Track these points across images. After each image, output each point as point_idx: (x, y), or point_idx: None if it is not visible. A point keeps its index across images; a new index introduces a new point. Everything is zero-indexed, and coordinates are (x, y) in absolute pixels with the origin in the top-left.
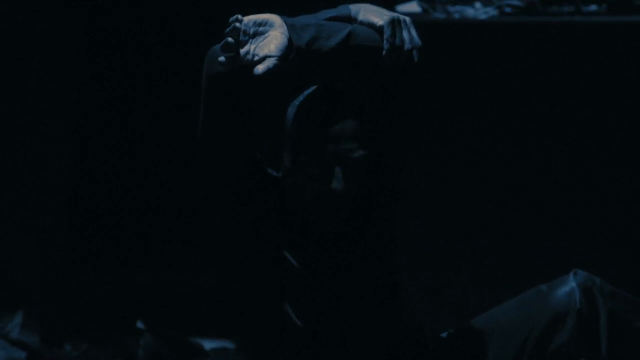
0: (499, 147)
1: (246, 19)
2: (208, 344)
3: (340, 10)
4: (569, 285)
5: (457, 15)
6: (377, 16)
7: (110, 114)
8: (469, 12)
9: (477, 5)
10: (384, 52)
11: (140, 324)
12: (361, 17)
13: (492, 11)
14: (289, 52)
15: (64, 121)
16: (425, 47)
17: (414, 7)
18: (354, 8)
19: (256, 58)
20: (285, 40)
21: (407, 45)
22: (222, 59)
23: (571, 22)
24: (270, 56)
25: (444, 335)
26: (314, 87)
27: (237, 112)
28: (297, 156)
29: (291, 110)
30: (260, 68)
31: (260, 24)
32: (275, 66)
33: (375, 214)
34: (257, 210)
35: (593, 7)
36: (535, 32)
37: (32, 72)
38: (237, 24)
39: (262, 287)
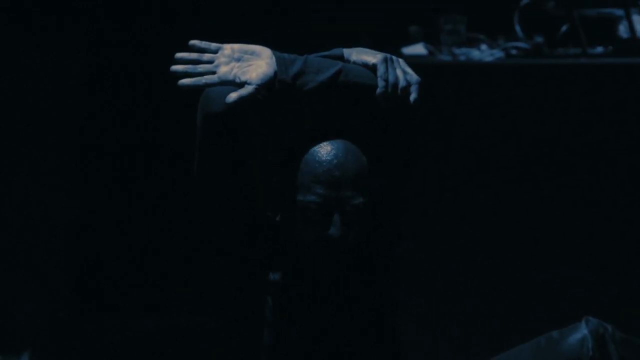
0: (505, 189)
1: (235, 46)
2: None
3: (333, 52)
4: (581, 333)
5: (462, 58)
6: (370, 55)
7: (113, 156)
8: (475, 54)
9: (483, 47)
10: (378, 89)
11: None
12: (354, 57)
13: (498, 53)
14: (271, 83)
15: (65, 173)
16: (431, 89)
17: (420, 50)
18: (346, 50)
19: (237, 80)
20: (270, 70)
21: (401, 83)
22: (185, 81)
23: (577, 64)
24: (249, 83)
25: None
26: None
27: (232, 152)
28: (294, 201)
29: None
30: (233, 96)
31: (247, 52)
32: (250, 95)
33: (374, 260)
34: (252, 251)
35: (599, 49)
36: (541, 74)
37: (35, 108)
38: (197, 45)
39: (258, 326)
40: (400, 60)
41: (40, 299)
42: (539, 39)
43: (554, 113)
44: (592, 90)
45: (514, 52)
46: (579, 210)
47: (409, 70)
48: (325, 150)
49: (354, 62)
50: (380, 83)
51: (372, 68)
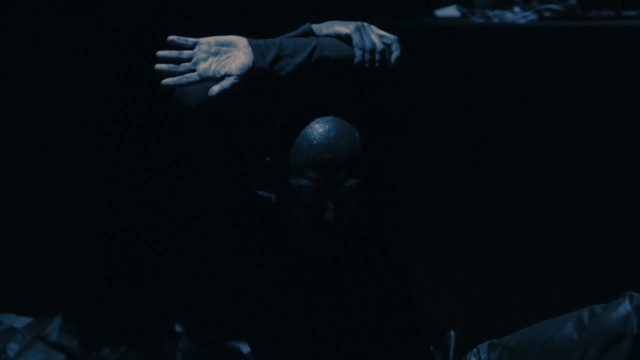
0: (538, 150)
1: (209, 38)
2: (246, 348)
3: (302, 28)
4: (625, 309)
5: (496, 20)
6: (342, 26)
7: (143, 124)
8: (508, 16)
9: (516, 9)
10: (356, 58)
11: (178, 328)
12: (325, 31)
13: (531, 15)
14: (250, 72)
15: (98, 132)
16: (465, 51)
17: (453, 12)
18: (315, 25)
19: (217, 75)
20: (248, 60)
21: (379, 46)
22: (168, 81)
23: (610, 27)
24: (229, 75)
25: (488, 344)
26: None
27: (219, 141)
28: (287, 184)
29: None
30: (215, 89)
31: (223, 44)
32: (232, 86)
33: (373, 238)
34: (248, 233)
35: (632, 12)
36: (574, 36)
37: (62, 82)
38: (176, 40)
39: (261, 308)
40: (372, 26)
41: (71, 265)
42: (573, 1)
43: (587, 76)
44: (625, 53)
45: (547, 14)
46: (612, 180)
47: (383, 32)
48: (316, 131)
49: (326, 36)
50: (357, 52)
51: (346, 39)
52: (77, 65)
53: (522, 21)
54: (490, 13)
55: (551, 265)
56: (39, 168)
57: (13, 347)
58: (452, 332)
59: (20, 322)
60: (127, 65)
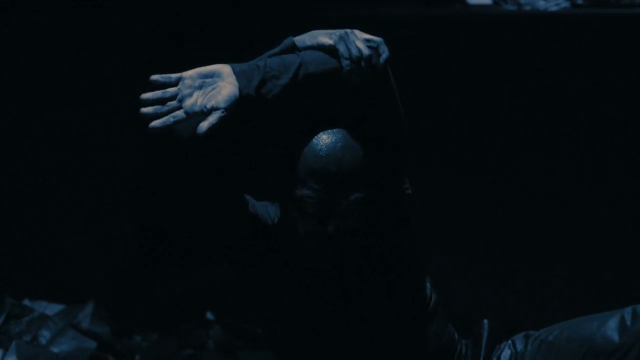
0: (578, 137)
1: (192, 72)
2: None
3: (285, 43)
4: None
5: (528, 7)
6: (325, 37)
7: None
8: (540, 4)
9: None
10: (345, 69)
11: (210, 316)
12: (308, 42)
13: (563, 3)
14: (237, 102)
15: (130, 121)
16: (496, 38)
17: (485, 0)
18: (298, 38)
19: (205, 109)
20: (234, 90)
21: (365, 52)
22: (155, 123)
23: None
24: (216, 108)
25: (523, 335)
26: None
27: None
28: (290, 192)
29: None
30: (204, 125)
31: (207, 76)
32: (220, 120)
33: (382, 243)
34: (250, 246)
35: None
36: (607, 24)
37: (101, 62)
38: (159, 80)
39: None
40: (356, 31)
41: (103, 252)
42: None
43: (620, 64)
44: None
45: (579, 1)
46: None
47: (368, 36)
48: (322, 143)
49: (309, 47)
50: (344, 62)
51: (330, 49)
52: (107, 55)
53: (554, 8)
54: (522, 1)
55: (585, 255)
56: (70, 155)
57: (45, 334)
58: (485, 321)
59: (52, 309)
60: (156, 53)
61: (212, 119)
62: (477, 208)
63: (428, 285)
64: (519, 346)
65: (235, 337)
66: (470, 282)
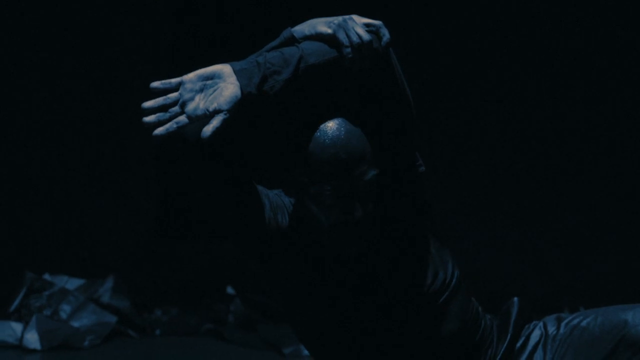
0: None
1: (192, 75)
2: None
3: (283, 35)
4: None
5: None
6: (324, 26)
7: None
8: None
9: None
10: (346, 57)
11: (230, 290)
12: (307, 32)
13: None
14: (240, 102)
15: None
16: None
17: None
18: (296, 28)
19: (208, 112)
20: (236, 90)
21: (366, 37)
22: (159, 131)
23: None
24: (219, 110)
25: (555, 317)
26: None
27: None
28: (307, 192)
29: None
30: (208, 129)
31: (207, 78)
32: (224, 122)
33: (402, 223)
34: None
35: None
36: None
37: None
38: (155, 85)
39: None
40: (353, 16)
41: (124, 226)
42: None
43: None
44: None
45: None
46: None
47: (367, 20)
48: (326, 134)
49: (310, 37)
50: (346, 50)
51: (330, 38)
52: (135, 23)
53: None
54: None
55: (625, 242)
56: (93, 131)
57: (65, 309)
58: (515, 299)
59: (72, 283)
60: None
61: (216, 122)
62: (513, 183)
63: (450, 262)
64: (551, 328)
65: (255, 311)
66: (502, 258)
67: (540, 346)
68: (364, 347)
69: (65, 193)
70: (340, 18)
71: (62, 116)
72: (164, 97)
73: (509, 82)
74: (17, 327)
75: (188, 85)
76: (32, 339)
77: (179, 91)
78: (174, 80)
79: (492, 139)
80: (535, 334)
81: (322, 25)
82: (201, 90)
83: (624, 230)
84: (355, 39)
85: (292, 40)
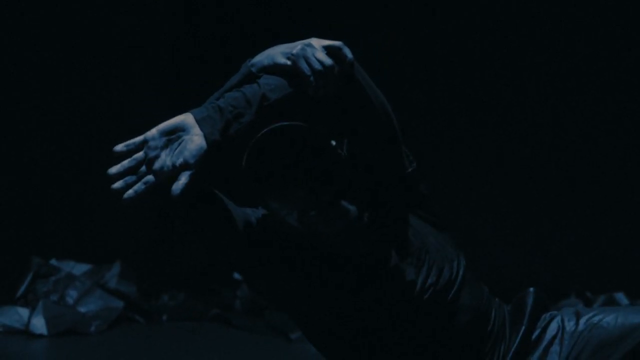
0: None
1: (154, 131)
2: None
3: (242, 72)
4: None
5: None
6: (283, 57)
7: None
8: None
9: None
10: (311, 87)
11: (237, 275)
12: (266, 63)
13: None
14: (206, 153)
15: (161, 74)
16: None
17: None
18: (255, 60)
19: (176, 166)
20: (201, 141)
21: (327, 62)
22: (128, 194)
23: None
24: (186, 163)
25: (574, 312)
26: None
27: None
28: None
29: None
30: (177, 187)
31: (170, 132)
32: (191, 177)
33: (401, 219)
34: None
35: None
36: None
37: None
38: (119, 149)
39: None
40: (312, 41)
41: (130, 212)
42: None
43: None
44: None
45: None
46: None
47: (327, 42)
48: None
49: (268, 69)
50: (310, 81)
51: (291, 69)
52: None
53: None
54: None
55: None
56: (99, 116)
57: (72, 294)
58: (531, 289)
59: (79, 269)
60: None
61: (184, 179)
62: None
63: (454, 254)
64: (569, 323)
65: (262, 297)
66: (508, 243)
67: (557, 340)
68: (368, 345)
69: (73, 178)
70: (299, 46)
71: (70, 102)
72: (129, 159)
73: (509, 79)
74: (24, 312)
75: (152, 143)
76: (39, 324)
77: (144, 150)
78: (137, 140)
79: (498, 127)
80: (553, 327)
81: (280, 56)
82: (166, 145)
83: (632, 215)
84: (317, 66)
85: (252, 76)
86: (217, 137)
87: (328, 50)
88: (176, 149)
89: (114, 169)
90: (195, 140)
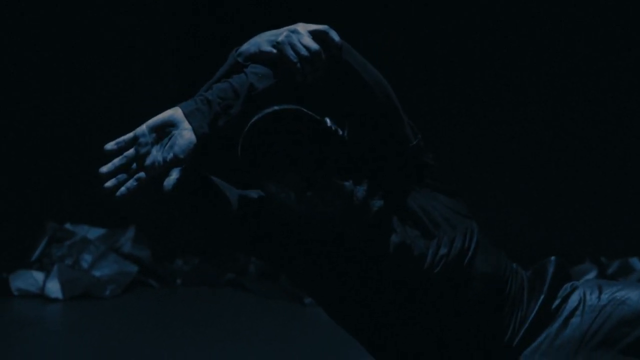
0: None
1: (143, 127)
2: None
3: (229, 62)
4: None
5: None
6: (268, 46)
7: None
8: None
9: None
10: (299, 73)
11: None
12: (253, 51)
13: None
14: (196, 147)
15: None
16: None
17: None
18: (242, 50)
19: (167, 161)
20: (191, 135)
21: (314, 47)
22: (120, 192)
23: None
24: (177, 158)
25: (596, 285)
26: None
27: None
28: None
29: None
30: (169, 183)
31: (160, 127)
32: (183, 173)
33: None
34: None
35: None
36: None
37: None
38: (110, 147)
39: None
40: (298, 26)
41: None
42: None
43: None
44: None
45: None
46: None
47: (313, 27)
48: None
49: (255, 57)
50: (297, 67)
51: (278, 57)
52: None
53: None
54: None
55: None
56: (114, 81)
57: (87, 258)
58: (553, 258)
59: (93, 233)
60: None
61: (175, 174)
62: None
63: (466, 222)
64: (591, 296)
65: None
66: (523, 210)
67: (578, 312)
68: (385, 320)
69: (87, 143)
70: (284, 32)
71: (83, 71)
72: (120, 157)
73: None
74: (39, 276)
75: (142, 139)
76: (54, 288)
77: (134, 147)
78: (127, 137)
79: (498, 125)
80: (574, 299)
81: (266, 44)
82: (156, 141)
83: None
84: (303, 52)
85: (239, 66)
86: (206, 130)
87: (314, 34)
88: (166, 144)
89: (105, 168)
90: (185, 135)
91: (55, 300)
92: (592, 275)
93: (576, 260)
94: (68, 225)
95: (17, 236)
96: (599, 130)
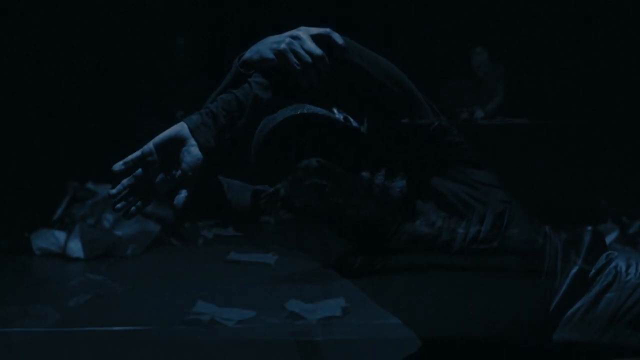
0: None
1: (150, 145)
2: None
3: (233, 70)
4: None
5: None
6: (270, 53)
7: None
8: None
9: None
10: (303, 80)
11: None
12: (255, 58)
13: None
14: (203, 162)
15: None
16: None
17: None
18: (245, 58)
19: (177, 176)
20: (196, 152)
21: (317, 52)
22: (131, 211)
23: None
24: (185, 175)
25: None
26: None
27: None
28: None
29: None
30: (179, 200)
31: (166, 144)
32: (191, 188)
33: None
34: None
35: None
36: None
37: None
38: (118, 168)
39: None
40: (300, 31)
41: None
42: None
43: None
44: None
45: None
46: None
47: (315, 31)
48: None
49: (257, 65)
50: (301, 75)
51: (281, 65)
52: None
53: None
54: None
55: None
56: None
57: (108, 218)
58: (589, 228)
59: None
60: None
61: (184, 193)
62: None
63: (496, 196)
64: (627, 272)
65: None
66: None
67: (614, 287)
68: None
69: (108, 103)
70: (286, 39)
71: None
72: (128, 178)
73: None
74: (61, 235)
75: (149, 158)
76: (76, 247)
77: (141, 166)
78: (135, 156)
79: None
80: (610, 272)
81: (269, 52)
82: (163, 159)
83: None
84: (306, 58)
85: (243, 75)
86: (212, 144)
87: (316, 38)
88: (174, 161)
89: (114, 190)
90: (192, 151)
91: (77, 259)
92: (614, 235)
93: (598, 219)
94: (90, 185)
95: (38, 195)
96: (622, 93)
